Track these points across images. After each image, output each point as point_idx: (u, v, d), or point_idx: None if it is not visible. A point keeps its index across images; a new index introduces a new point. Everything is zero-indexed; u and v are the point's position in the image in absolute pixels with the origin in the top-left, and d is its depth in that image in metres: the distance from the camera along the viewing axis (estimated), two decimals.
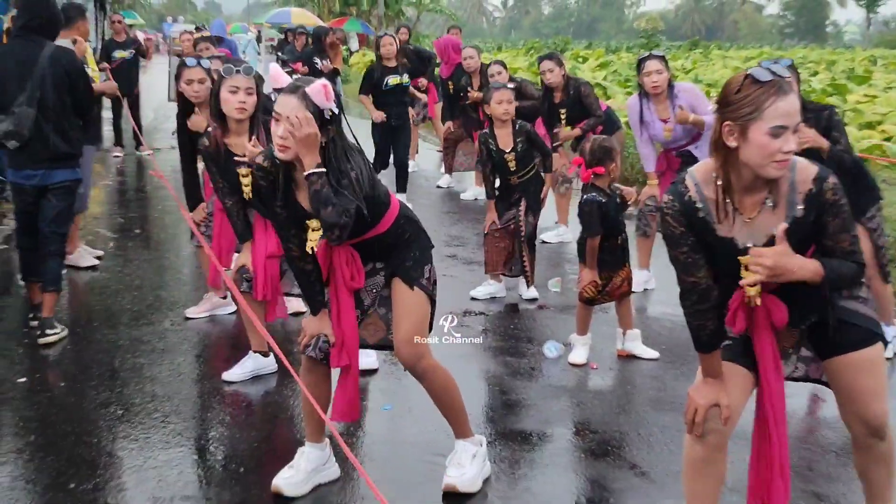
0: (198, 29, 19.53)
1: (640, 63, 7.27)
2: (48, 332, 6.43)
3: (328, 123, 3.84)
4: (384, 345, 4.35)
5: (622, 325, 6.25)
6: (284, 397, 5.53)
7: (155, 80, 19.72)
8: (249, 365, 5.80)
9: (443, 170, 13.07)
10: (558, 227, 9.74)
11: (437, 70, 13.44)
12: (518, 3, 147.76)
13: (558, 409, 5.42)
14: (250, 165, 4.19)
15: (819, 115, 5.36)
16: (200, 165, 6.25)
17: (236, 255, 5.83)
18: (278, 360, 5.82)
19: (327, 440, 4.44)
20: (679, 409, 3.45)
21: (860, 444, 3.64)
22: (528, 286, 7.53)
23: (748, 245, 3.26)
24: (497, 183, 7.41)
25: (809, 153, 4.80)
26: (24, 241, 6.67)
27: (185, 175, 6.49)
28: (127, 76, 15.03)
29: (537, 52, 39.35)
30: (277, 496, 4.26)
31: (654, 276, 7.60)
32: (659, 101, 7.20)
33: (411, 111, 14.13)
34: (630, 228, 6.33)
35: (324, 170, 3.82)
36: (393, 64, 11.30)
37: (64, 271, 7.09)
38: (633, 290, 6.28)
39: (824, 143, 5.25)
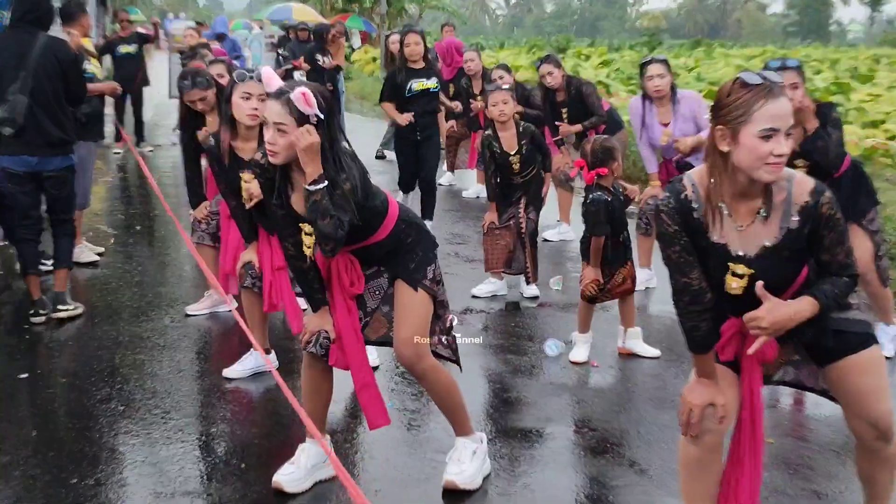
0: (199, 24, 19.59)
1: (643, 67, 7.30)
2: (60, 307, 6.79)
3: (316, 129, 3.82)
4: (386, 341, 4.36)
5: (624, 323, 6.27)
6: (284, 395, 5.54)
7: (156, 77, 19.69)
8: (250, 362, 5.82)
9: (445, 168, 13.09)
10: (560, 224, 9.77)
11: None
12: (521, 1, 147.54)
13: (558, 406, 5.45)
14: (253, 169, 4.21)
15: (818, 110, 5.39)
16: (204, 163, 6.28)
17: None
18: (279, 357, 5.87)
19: (328, 437, 4.47)
20: (679, 408, 3.46)
21: (866, 448, 3.63)
22: (528, 283, 7.56)
23: (739, 253, 3.29)
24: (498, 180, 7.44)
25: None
26: (22, 234, 6.78)
27: (188, 173, 6.56)
28: (131, 71, 15.08)
29: (540, 49, 39.38)
30: (278, 492, 4.29)
31: (655, 275, 7.62)
32: (661, 105, 7.22)
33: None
34: (631, 227, 6.35)
35: (325, 183, 3.82)
36: (420, 66, 9.33)
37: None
38: (635, 288, 6.30)
39: (809, 104, 5.30)
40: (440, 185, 12.89)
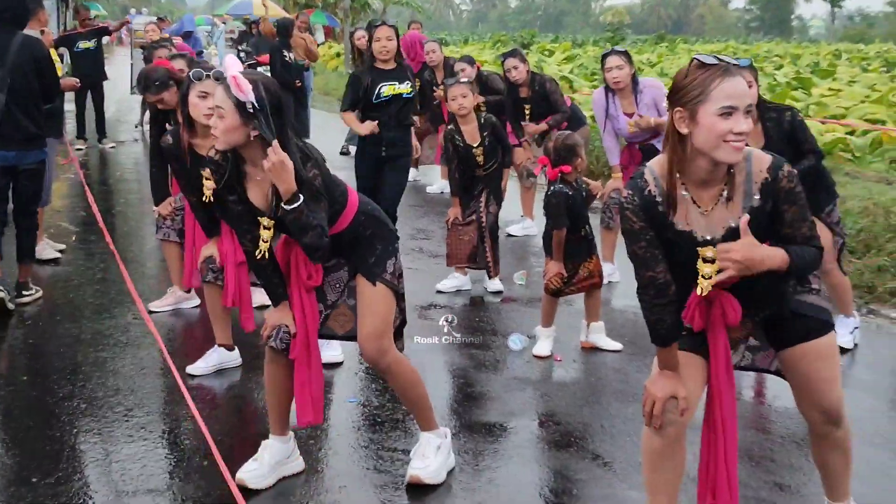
0: (161, 20, 19.44)
1: (603, 58, 7.35)
2: (24, 292, 7.10)
3: (252, 117, 3.79)
4: (354, 336, 4.33)
5: (588, 317, 6.29)
6: (248, 391, 5.53)
7: (118, 72, 19.57)
8: (214, 358, 5.80)
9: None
10: (524, 220, 9.79)
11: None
12: None
13: (522, 400, 5.46)
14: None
15: (781, 116, 5.41)
16: None
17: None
18: (243, 353, 5.85)
19: (291, 434, 4.46)
20: (642, 400, 3.48)
21: (817, 433, 3.68)
22: (489, 277, 7.58)
23: (706, 237, 3.29)
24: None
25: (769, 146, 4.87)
26: None
27: (153, 169, 6.55)
28: (90, 66, 14.95)
29: (504, 45, 39.46)
30: (241, 489, 4.25)
31: (618, 269, 7.64)
32: (623, 96, 7.26)
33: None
34: (595, 221, 6.37)
35: (301, 200, 3.80)
36: (390, 66, 7.60)
37: None
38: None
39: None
40: None
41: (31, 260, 7.28)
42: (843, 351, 6.10)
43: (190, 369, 5.73)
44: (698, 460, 3.56)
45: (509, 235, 9.43)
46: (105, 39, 16.47)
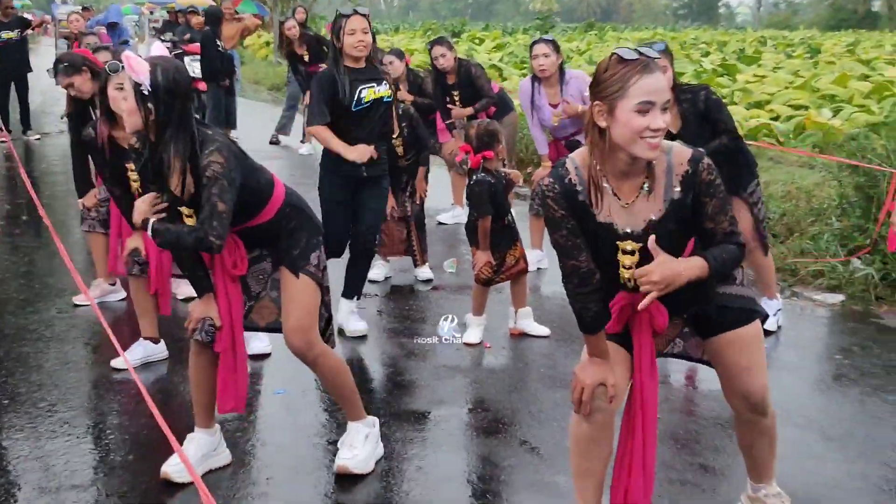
0: (85, 9, 19.13)
1: (531, 47, 7.37)
2: None
3: (146, 100, 3.79)
4: (276, 328, 4.30)
5: (515, 303, 6.32)
6: (174, 384, 5.47)
7: (43, 63, 19.23)
8: (139, 352, 5.71)
9: None
10: (454, 208, 9.79)
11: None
12: None
13: (452, 388, 5.46)
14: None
15: (696, 97, 5.43)
16: None
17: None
18: (169, 346, 5.78)
19: (217, 426, 4.41)
20: (569, 386, 3.49)
21: (742, 420, 3.72)
22: (416, 266, 7.59)
23: (627, 231, 3.30)
24: None
25: (687, 137, 4.90)
26: None
27: (75, 161, 6.44)
28: (14, 58, 14.68)
29: (435, 33, 39.39)
30: (167, 483, 4.22)
31: (547, 256, 7.67)
32: (549, 86, 7.28)
33: (308, 95, 14.03)
34: (524, 209, 6.38)
35: (153, 220, 3.88)
36: (363, 65, 6.04)
37: None
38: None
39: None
40: None
41: None
42: (767, 333, 6.18)
43: (115, 363, 5.63)
44: None
45: (440, 223, 9.45)
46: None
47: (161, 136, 3.83)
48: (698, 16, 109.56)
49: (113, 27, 16.98)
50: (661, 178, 3.27)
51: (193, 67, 13.92)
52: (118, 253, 6.08)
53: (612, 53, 3.19)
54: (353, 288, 6.36)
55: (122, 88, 5.17)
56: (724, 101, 5.83)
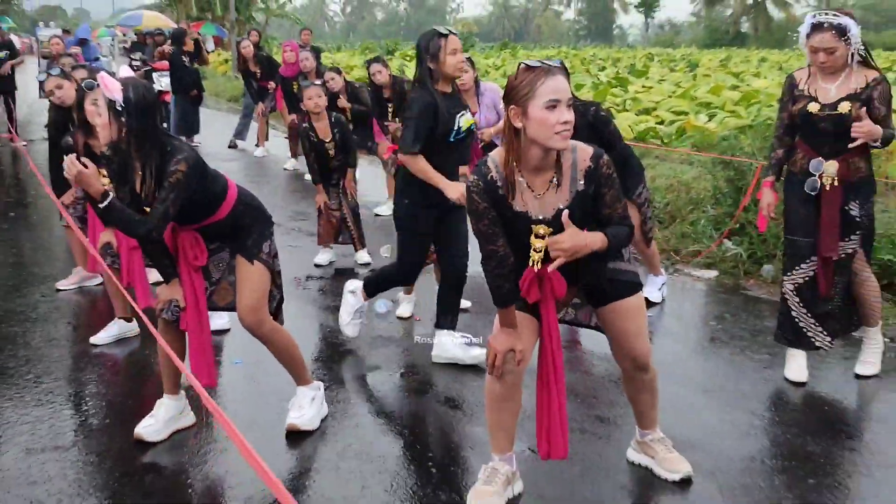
0: (65, 32, 18.72)
1: None
2: None
3: (120, 115, 3.77)
4: (233, 307, 4.25)
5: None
6: (146, 357, 5.38)
7: (28, 79, 18.82)
8: (114, 329, 5.64)
9: (289, 154, 12.93)
10: (389, 201, 9.75)
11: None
12: (355, 9, 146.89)
13: (386, 356, 5.45)
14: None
15: (587, 111, 5.42)
16: None
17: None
18: (140, 324, 5.70)
19: (182, 392, 4.36)
20: (486, 351, 3.51)
21: (629, 377, 3.79)
22: (356, 250, 7.55)
23: (539, 217, 3.32)
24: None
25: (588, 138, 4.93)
26: None
27: (52, 163, 6.31)
28: (2, 75, 14.40)
29: (372, 52, 39.19)
30: (139, 442, 4.17)
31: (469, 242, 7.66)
32: (468, 97, 7.26)
33: (260, 106, 13.88)
34: None
35: (108, 199, 3.77)
36: (449, 90, 4.93)
37: None
38: None
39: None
40: (285, 169, 12.72)
41: None
42: (653, 304, 6.28)
43: (93, 339, 5.57)
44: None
45: (377, 215, 9.42)
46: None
47: (132, 146, 3.78)
48: (596, 36, 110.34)
49: (83, 43, 16.65)
50: (567, 173, 3.30)
51: (161, 82, 13.71)
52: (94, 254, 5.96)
53: (520, 64, 3.21)
54: (455, 315, 5.35)
55: (96, 103, 5.09)
56: (615, 110, 5.87)
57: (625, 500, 3.74)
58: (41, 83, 6.19)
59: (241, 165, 12.93)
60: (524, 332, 3.50)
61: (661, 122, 14.51)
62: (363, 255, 7.52)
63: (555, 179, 3.30)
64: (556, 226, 3.28)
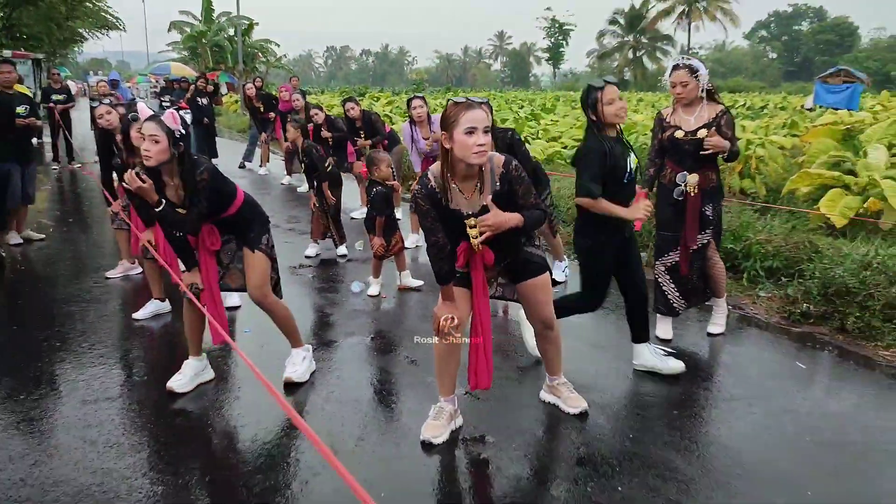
0: (112, 81, 18.32)
1: (409, 101, 7.31)
2: None
3: (178, 141, 3.74)
4: (243, 288, 4.21)
5: (399, 268, 6.31)
6: (177, 328, 5.29)
7: (82, 115, 18.41)
8: (151, 307, 5.54)
9: (285, 172, 12.79)
10: (363, 208, 9.68)
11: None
12: (335, 62, 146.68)
13: (359, 324, 5.42)
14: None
15: (505, 134, 5.44)
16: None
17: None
18: (174, 303, 5.61)
19: (204, 354, 4.31)
20: (434, 320, 3.51)
21: (539, 334, 3.83)
22: (336, 246, 7.48)
23: (469, 213, 3.33)
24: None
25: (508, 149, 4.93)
26: None
27: (103, 180, 6.19)
28: (63, 113, 14.14)
29: (348, 94, 38.87)
30: (171, 393, 4.12)
31: (421, 238, 7.64)
32: (422, 126, 7.24)
33: (263, 135, 13.71)
34: (407, 207, 6.34)
35: (163, 205, 3.74)
36: (614, 133, 4.01)
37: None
38: (406, 246, 6.33)
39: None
40: (282, 184, 12.57)
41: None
42: (558, 283, 6.32)
43: (135, 315, 5.48)
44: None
45: (352, 218, 9.34)
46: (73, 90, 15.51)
47: (183, 163, 3.78)
48: (517, 82, 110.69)
49: (115, 85, 16.52)
50: (487, 178, 3.32)
51: (186, 118, 13.46)
52: (137, 241, 5.86)
53: (449, 100, 3.22)
54: (647, 330, 4.50)
55: (140, 132, 5.01)
56: (530, 138, 5.89)
57: (538, 428, 3.77)
58: (93, 109, 6.05)
59: (248, 181, 12.73)
60: (460, 302, 3.51)
61: (565, 147, 14.56)
62: (342, 249, 7.46)
63: (478, 185, 3.32)
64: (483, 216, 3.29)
